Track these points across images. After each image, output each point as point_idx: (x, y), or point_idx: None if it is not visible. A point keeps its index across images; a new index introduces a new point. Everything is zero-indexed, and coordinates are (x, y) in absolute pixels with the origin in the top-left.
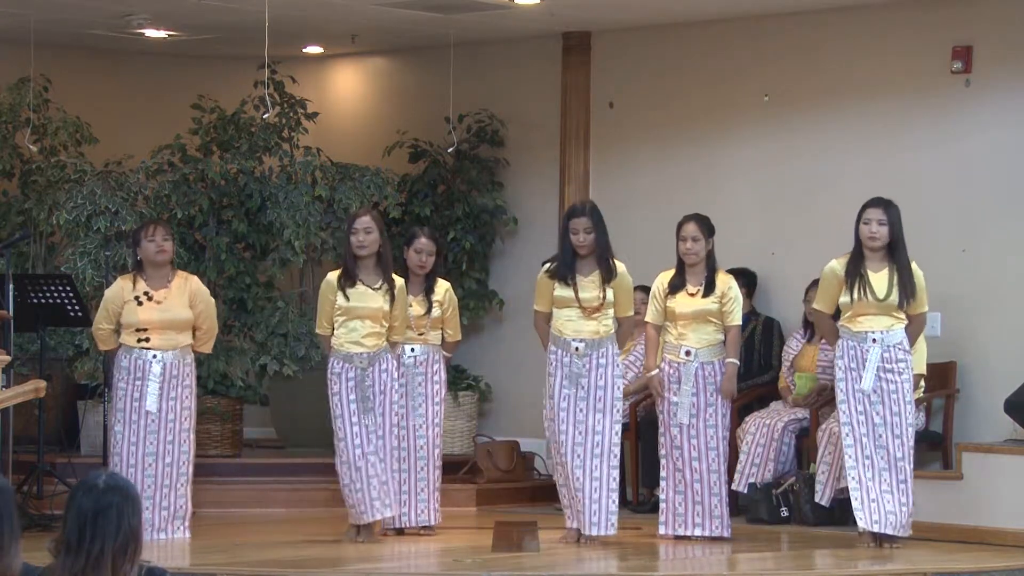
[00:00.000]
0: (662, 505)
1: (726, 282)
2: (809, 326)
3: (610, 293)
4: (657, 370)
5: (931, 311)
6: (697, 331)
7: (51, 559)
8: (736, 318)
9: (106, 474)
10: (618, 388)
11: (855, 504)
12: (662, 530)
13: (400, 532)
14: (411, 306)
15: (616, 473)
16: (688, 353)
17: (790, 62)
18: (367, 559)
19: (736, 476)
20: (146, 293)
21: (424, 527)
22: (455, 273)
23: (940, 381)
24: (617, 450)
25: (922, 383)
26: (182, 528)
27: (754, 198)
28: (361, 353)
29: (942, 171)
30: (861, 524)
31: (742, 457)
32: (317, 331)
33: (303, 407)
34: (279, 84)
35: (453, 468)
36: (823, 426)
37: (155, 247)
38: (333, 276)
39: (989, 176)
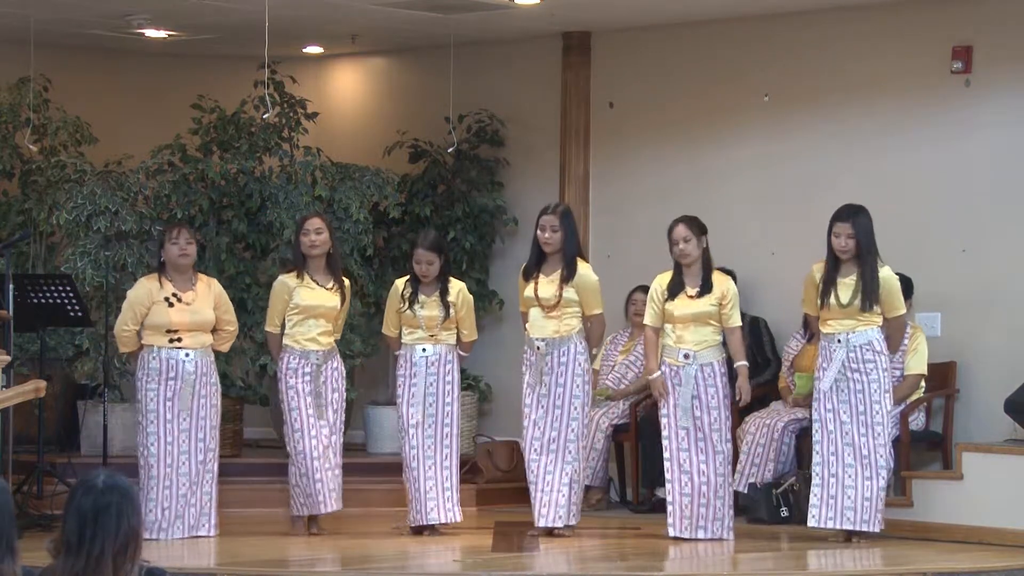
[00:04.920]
0: (669, 507)
1: (724, 283)
2: (809, 326)
3: (570, 292)
4: (659, 372)
5: (931, 311)
6: (696, 333)
7: (50, 560)
8: (736, 320)
9: (105, 474)
10: (577, 387)
11: (812, 500)
12: (671, 532)
13: (419, 531)
14: (423, 308)
15: (570, 468)
16: (687, 356)
17: (790, 62)
18: (368, 559)
19: (736, 476)
20: (175, 295)
21: (429, 526)
22: (455, 273)
23: (940, 381)
24: (573, 447)
25: (922, 383)
26: (207, 526)
27: (754, 198)
28: (317, 351)
29: (942, 171)
30: (811, 522)
31: (742, 457)
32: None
33: None
34: (279, 84)
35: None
36: None
37: (178, 250)
38: (287, 277)
39: (989, 176)
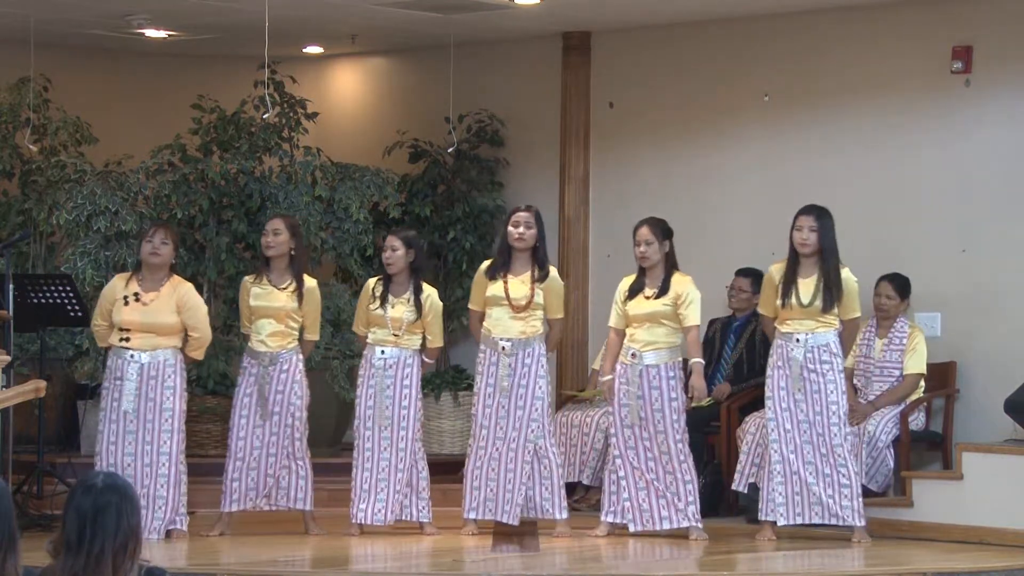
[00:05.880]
0: (626, 504)
1: (682, 284)
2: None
3: (539, 294)
4: (610, 376)
5: (931, 311)
6: (648, 333)
7: (50, 560)
8: (691, 319)
9: (104, 474)
10: (540, 388)
11: (777, 499)
12: (632, 528)
13: (360, 528)
14: (393, 307)
15: (528, 468)
16: (633, 355)
17: (790, 62)
18: (366, 559)
19: (736, 476)
20: (136, 294)
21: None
22: (455, 273)
23: (940, 381)
24: (532, 447)
25: (921, 383)
26: (158, 530)
27: (754, 198)
28: (264, 352)
29: (942, 171)
30: (781, 520)
31: (742, 457)
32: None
33: None
34: (279, 84)
35: (453, 468)
36: None
37: (150, 248)
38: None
39: (989, 176)
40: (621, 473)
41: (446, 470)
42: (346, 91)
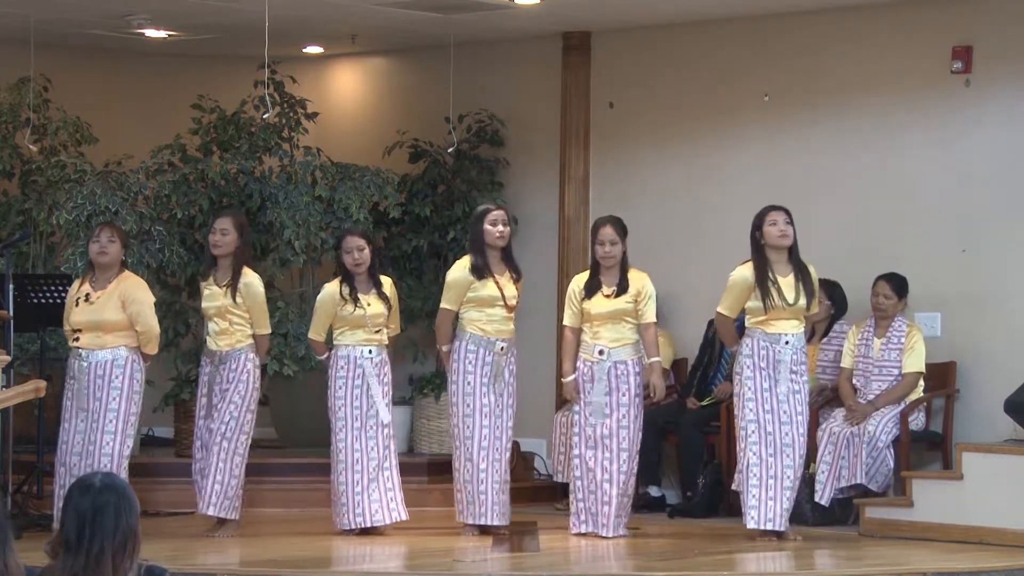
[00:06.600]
0: (579, 504)
1: (640, 280)
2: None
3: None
4: (572, 376)
5: (931, 311)
6: (612, 330)
7: (49, 561)
8: (649, 316)
9: (101, 474)
10: (515, 385)
11: (750, 502)
12: (579, 528)
13: (363, 531)
14: (368, 305)
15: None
16: (601, 352)
17: (790, 62)
18: (365, 559)
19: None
20: (87, 295)
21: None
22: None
23: (940, 381)
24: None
25: (921, 382)
26: None
27: (754, 198)
28: (214, 351)
29: (942, 171)
30: (751, 524)
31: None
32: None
33: (303, 407)
34: (279, 84)
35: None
36: (823, 426)
37: (98, 247)
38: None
39: (989, 176)
40: (577, 473)
41: (446, 470)
42: (346, 91)
